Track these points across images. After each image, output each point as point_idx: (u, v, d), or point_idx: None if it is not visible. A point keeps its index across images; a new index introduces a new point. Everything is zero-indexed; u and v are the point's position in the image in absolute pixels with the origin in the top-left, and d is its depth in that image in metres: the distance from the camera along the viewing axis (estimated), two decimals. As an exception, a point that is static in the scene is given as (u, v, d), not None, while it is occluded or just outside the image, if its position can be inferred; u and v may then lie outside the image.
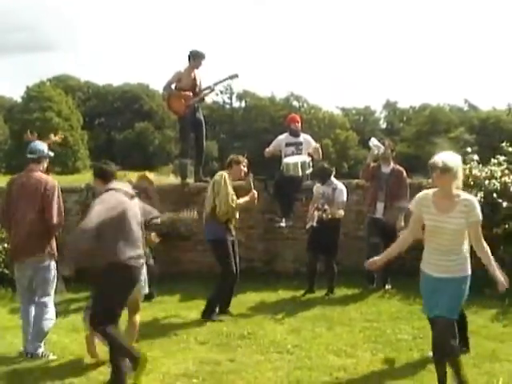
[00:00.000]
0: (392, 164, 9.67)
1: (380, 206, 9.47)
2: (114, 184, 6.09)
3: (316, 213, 9.24)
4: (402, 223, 9.48)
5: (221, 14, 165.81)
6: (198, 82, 10.96)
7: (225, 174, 8.29)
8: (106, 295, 5.90)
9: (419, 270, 6.04)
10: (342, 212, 9.28)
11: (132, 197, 6.10)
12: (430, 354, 6.63)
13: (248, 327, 7.82)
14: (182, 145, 11.45)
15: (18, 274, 7.06)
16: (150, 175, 9.89)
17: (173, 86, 10.91)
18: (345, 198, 9.43)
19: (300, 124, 10.99)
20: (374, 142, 9.86)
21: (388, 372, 6.31)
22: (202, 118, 11.18)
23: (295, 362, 6.61)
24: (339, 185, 9.49)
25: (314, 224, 9.19)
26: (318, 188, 9.54)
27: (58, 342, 7.37)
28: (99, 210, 5.71)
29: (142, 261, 6.10)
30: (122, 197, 5.95)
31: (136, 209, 6.11)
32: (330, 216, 9.10)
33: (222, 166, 10.49)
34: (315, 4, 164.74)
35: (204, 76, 11.19)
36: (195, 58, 10.85)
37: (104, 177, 6.18)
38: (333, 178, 9.50)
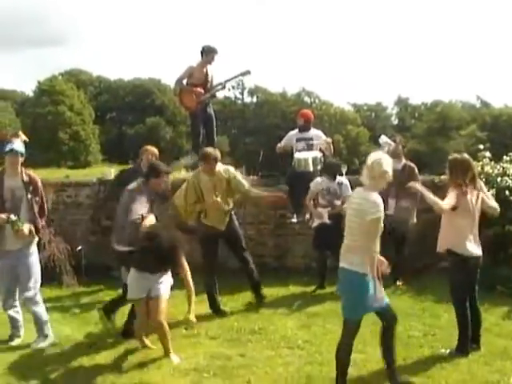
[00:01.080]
0: (404, 160, 9.65)
1: (391, 202, 9.45)
2: None
3: (323, 209, 9.26)
4: (415, 219, 9.50)
5: (232, 8, 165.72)
6: (209, 78, 10.97)
7: (196, 172, 8.64)
8: None
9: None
10: (339, 203, 9.30)
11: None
12: (443, 350, 6.66)
13: (259, 322, 7.84)
14: (193, 140, 11.46)
15: None
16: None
17: (184, 82, 10.92)
18: (350, 192, 9.46)
19: (311, 119, 10.93)
20: (383, 139, 9.86)
21: (399, 369, 6.27)
22: (212, 113, 11.19)
23: (306, 357, 6.63)
24: (344, 180, 9.49)
25: (327, 221, 9.21)
26: (317, 184, 9.46)
27: (70, 335, 7.42)
28: None
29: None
30: None
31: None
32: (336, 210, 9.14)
33: (233, 160, 10.51)
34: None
35: (215, 71, 11.19)
36: (208, 53, 10.85)
37: None
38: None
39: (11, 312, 7.25)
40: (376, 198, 5.59)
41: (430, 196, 6.59)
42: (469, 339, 6.61)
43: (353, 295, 5.60)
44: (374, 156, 5.74)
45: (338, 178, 9.44)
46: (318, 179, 9.57)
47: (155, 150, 9.12)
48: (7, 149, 7.04)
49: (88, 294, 9.25)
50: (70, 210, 10.69)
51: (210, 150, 8.53)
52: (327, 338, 7.22)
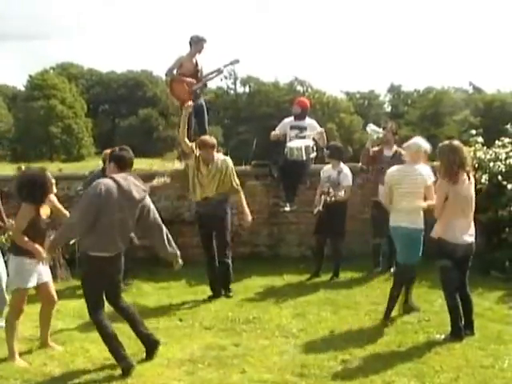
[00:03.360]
0: (395, 147, 9.59)
1: (382, 188, 9.41)
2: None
3: (322, 197, 9.22)
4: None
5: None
6: (199, 68, 10.93)
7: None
8: None
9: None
10: (341, 193, 9.16)
11: None
12: (437, 336, 6.69)
13: (253, 312, 7.83)
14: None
15: None
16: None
17: (175, 72, 10.88)
18: (350, 182, 9.38)
19: (307, 108, 10.88)
20: (371, 127, 9.84)
21: (394, 355, 6.31)
22: (203, 103, 11.16)
23: (301, 345, 6.63)
24: (345, 168, 9.43)
25: (321, 208, 9.18)
26: (324, 172, 9.51)
27: (63, 328, 7.40)
28: None
29: None
30: None
31: None
32: (333, 199, 9.06)
33: (226, 150, 10.51)
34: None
35: (207, 61, 11.17)
36: (197, 42, 10.80)
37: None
38: (341, 163, 9.46)
39: None
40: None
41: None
42: (461, 324, 6.63)
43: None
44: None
45: (340, 167, 9.38)
46: (325, 167, 9.57)
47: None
48: None
49: (81, 287, 9.19)
50: (63, 203, 10.57)
51: (207, 137, 8.59)
52: (322, 326, 7.24)
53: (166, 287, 9.24)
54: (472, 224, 6.70)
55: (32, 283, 6.47)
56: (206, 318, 7.68)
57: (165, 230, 6.26)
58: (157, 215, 6.25)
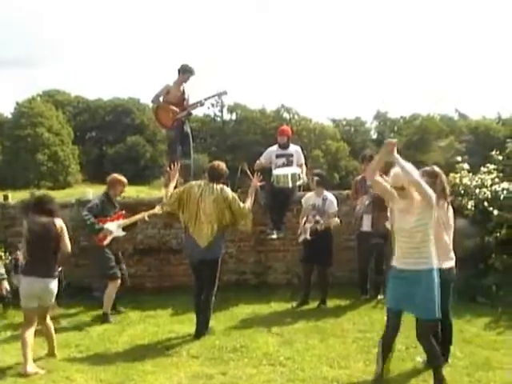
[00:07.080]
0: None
1: (367, 218, 9.41)
2: None
3: (308, 225, 9.21)
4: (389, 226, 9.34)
5: (213, 26, 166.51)
6: (186, 96, 10.99)
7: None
8: None
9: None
10: (337, 220, 9.24)
11: None
12: (418, 358, 6.67)
13: (240, 340, 7.78)
14: (170, 157, 11.43)
15: None
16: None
17: (161, 99, 10.94)
18: (336, 208, 9.41)
19: (289, 136, 10.90)
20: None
21: (381, 383, 6.28)
22: (189, 131, 11.20)
23: (288, 374, 6.58)
24: (329, 195, 9.46)
25: (308, 237, 9.16)
26: (306, 199, 9.52)
27: (48, 357, 7.32)
28: None
29: None
30: None
31: None
32: (323, 227, 9.08)
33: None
34: (303, 15, 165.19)
35: (194, 89, 11.24)
36: (185, 72, 10.88)
37: None
38: (324, 190, 9.46)
39: None
40: None
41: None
42: (438, 349, 6.60)
43: None
44: None
45: (324, 194, 9.40)
46: (308, 194, 9.59)
47: (124, 180, 9.57)
48: None
49: (68, 316, 9.14)
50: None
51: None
52: (309, 354, 7.19)
53: (153, 315, 9.18)
54: (451, 249, 6.67)
55: None
56: (193, 346, 7.62)
57: None
58: None
